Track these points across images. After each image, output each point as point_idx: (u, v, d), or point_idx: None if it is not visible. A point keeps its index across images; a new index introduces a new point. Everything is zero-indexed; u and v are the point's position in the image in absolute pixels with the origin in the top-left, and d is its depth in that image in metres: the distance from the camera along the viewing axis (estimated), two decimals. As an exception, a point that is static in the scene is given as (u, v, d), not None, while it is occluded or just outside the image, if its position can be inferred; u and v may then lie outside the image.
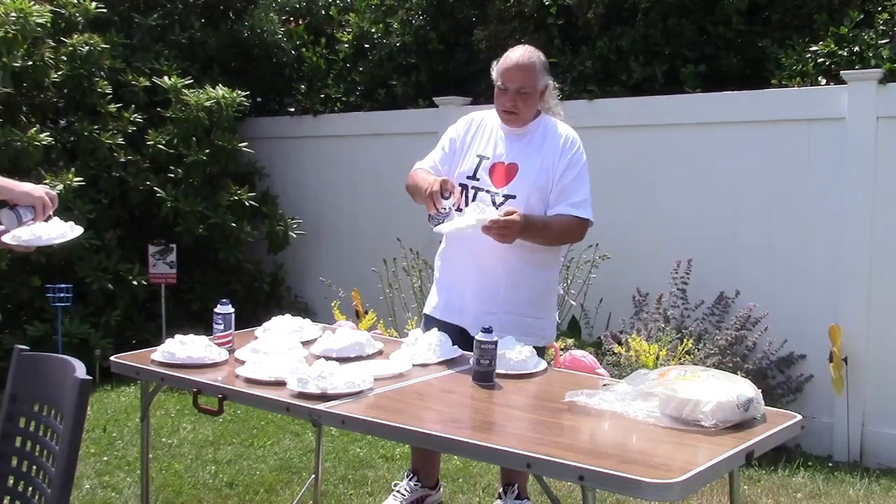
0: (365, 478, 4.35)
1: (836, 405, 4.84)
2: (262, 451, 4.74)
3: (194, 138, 6.58)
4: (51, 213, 2.85)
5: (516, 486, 3.48)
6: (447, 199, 3.11)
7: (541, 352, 3.13)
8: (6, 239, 2.79)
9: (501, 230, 3.02)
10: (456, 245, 3.36)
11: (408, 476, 3.62)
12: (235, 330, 3.11)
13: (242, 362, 2.86)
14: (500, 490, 3.53)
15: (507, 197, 3.23)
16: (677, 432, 2.26)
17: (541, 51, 3.39)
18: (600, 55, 6.05)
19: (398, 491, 3.60)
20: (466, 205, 3.24)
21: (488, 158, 3.30)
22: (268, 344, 2.96)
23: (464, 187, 3.29)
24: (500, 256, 3.21)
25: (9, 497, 2.16)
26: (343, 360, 2.88)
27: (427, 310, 3.50)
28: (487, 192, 3.26)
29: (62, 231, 2.88)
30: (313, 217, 7.13)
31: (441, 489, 3.75)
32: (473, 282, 3.30)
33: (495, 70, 3.34)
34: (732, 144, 5.22)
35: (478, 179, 3.28)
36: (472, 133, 3.41)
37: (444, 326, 3.26)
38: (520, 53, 3.29)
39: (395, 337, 4.52)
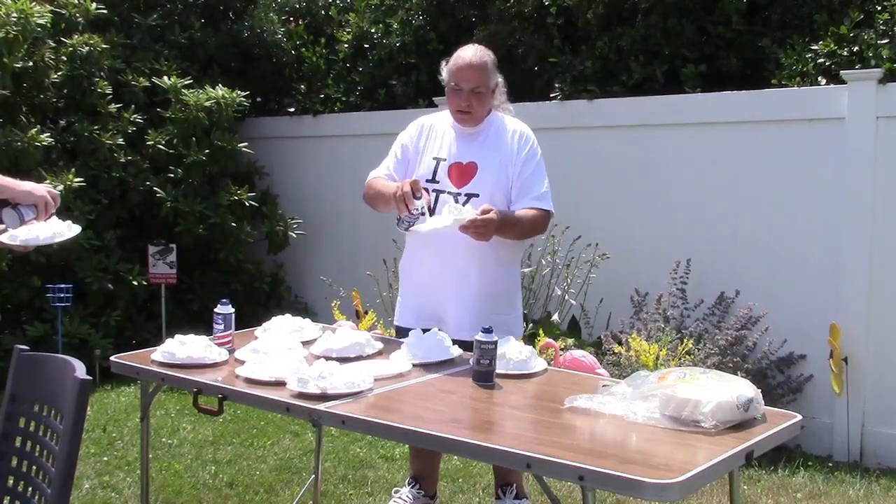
0: (365, 478, 4.35)
1: (836, 405, 4.84)
2: (262, 451, 4.74)
3: (194, 138, 6.58)
4: (53, 213, 2.85)
5: (514, 485, 3.47)
6: (418, 199, 3.10)
7: None
8: (3, 239, 2.79)
9: (479, 229, 3.04)
10: (424, 249, 3.34)
11: (410, 483, 3.58)
12: (235, 330, 3.11)
13: (242, 362, 2.86)
14: (498, 490, 3.51)
15: (469, 196, 3.24)
16: (677, 432, 2.25)
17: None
18: (600, 55, 6.05)
19: (400, 497, 3.56)
20: (430, 207, 3.23)
21: (445, 160, 3.31)
22: (268, 344, 2.96)
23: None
24: (473, 256, 3.21)
25: (9, 497, 2.16)
26: (343, 360, 2.88)
27: (399, 321, 3.46)
28: (449, 193, 3.26)
29: (60, 230, 2.88)
30: (313, 217, 7.14)
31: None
32: (448, 284, 3.29)
33: (446, 71, 3.35)
34: (732, 144, 5.22)
35: (437, 182, 3.29)
36: (424, 137, 3.42)
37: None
38: (472, 53, 3.30)
39: (395, 337, 4.52)
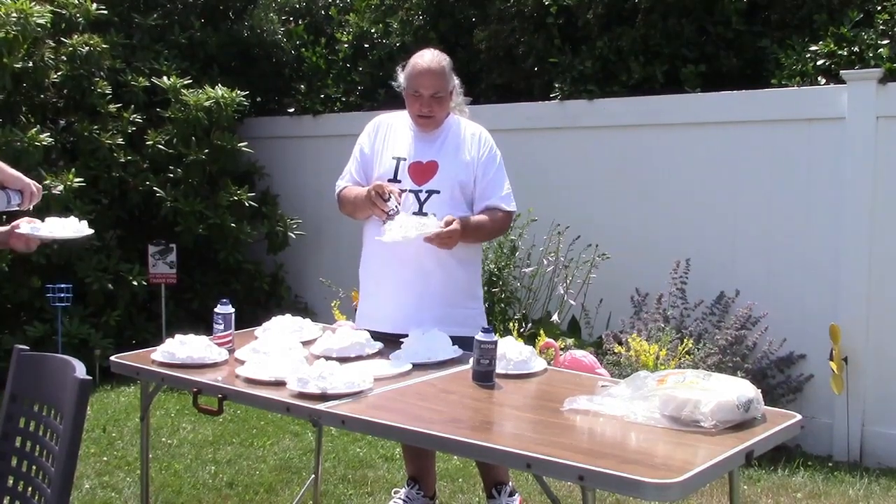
0: (365, 478, 4.35)
1: (836, 405, 4.84)
2: (262, 451, 4.74)
3: (194, 138, 6.58)
4: (33, 206, 2.94)
5: (507, 484, 3.47)
6: (388, 200, 3.16)
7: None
8: (23, 230, 2.90)
9: (444, 240, 3.08)
10: (386, 253, 3.29)
11: (409, 484, 3.60)
12: (235, 330, 3.11)
13: (242, 362, 2.86)
14: (492, 490, 3.49)
15: (430, 192, 3.27)
16: (677, 432, 2.26)
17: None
18: (600, 55, 6.05)
19: (399, 498, 3.58)
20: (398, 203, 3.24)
21: (405, 159, 3.33)
22: (268, 344, 2.96)
23: None
24: (436, 258, 3.23)
25: (9, 497, 2.16)
26: (343, 360, 2.88)
27: (369, 324, 3.35)
28: (410, 191, 3.28)
29: (77, 228, 3.03)
30: (313, 217, 7.13)
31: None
32: (411, 285, 3.29)
33: (404, 76, 3.36)
34: (732, 144, 5.22)
35: (399, 181, 3.30)
36: (381, 137, 3.43)
37: (385, 337, 3.21)
38: (430, 58, 3.31)
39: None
